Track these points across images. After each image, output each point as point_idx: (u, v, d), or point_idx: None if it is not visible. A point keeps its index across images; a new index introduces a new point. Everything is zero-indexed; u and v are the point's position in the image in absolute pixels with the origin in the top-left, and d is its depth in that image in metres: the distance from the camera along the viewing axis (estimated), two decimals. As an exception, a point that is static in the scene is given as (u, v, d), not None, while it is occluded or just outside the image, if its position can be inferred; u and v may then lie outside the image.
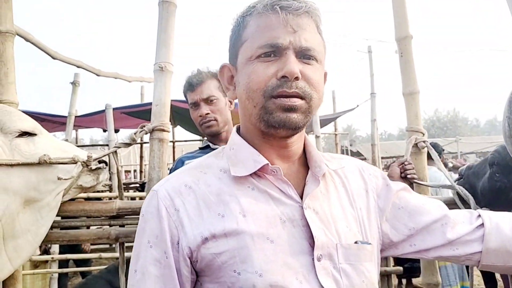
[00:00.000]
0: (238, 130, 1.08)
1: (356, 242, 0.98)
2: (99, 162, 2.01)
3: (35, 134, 1.76)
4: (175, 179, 1.00)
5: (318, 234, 0.93)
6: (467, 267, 4.22)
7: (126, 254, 2.17)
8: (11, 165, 1.58)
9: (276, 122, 0.92)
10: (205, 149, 2.09)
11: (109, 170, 2.09)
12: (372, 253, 1.01)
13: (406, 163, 1.95)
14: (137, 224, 2.02)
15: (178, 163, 2.04)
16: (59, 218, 1.91)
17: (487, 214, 1.12)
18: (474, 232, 1.09)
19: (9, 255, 1.60)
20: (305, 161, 1.06)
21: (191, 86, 2.06)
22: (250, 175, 0.97)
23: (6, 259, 1.59)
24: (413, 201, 1.13)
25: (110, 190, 4.49)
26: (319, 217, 0.96)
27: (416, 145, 2.05)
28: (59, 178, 1.69)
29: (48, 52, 3.44)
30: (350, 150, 14.14)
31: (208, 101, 2.04)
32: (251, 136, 1.02)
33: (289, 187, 0.97)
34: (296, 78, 0.91)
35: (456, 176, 2.16)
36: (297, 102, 0.91)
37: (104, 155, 2.00)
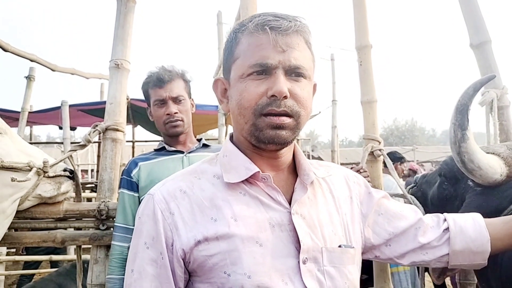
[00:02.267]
0: (231, 139, 1.13)
1: (340, 246, 1.04)
2: (64, 170, 1.92)
3: None
4: (170, 183, 1.05)
5: (304, 239, 0.99)
6: (419, 274, 4.35)
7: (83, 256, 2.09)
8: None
9: (266, 139, 0.98)
10: (160, 151, 2.02)
11: (74, 178, 2.00)
12: (354, 256, 1.08)
13: (361, 170, 1.97)
14: (85, 227, 1.96)
15: (132, 164, 1.96)
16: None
17: (452, 217, 1.21)
18: (441, 237, 1.18)
19: None
20: (294, 169, 1.11)
21: (160, 81, 1.95)
22: (242, 181, 1.02)
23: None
24: (392, 208, 1.21)
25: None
26: (306, 222, 1.02)
27: (372, 153, 2.07)
28: (12, 180, 1.60)
29: (-1, 44, 3.27)
30: (312, 156, 14.30)
31: (177, 100, 1.97)
32: (243, 145, 1.07)
33: (278, 194, 1.03)
34: (285, 97, 0.95)
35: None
36: (286, 120, 0.97)
37: (60, 161, 1.91)
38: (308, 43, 1.02)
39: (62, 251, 4.99)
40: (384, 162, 2.10)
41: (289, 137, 0.99)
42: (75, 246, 2.14)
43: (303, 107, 0.99)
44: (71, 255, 4.99)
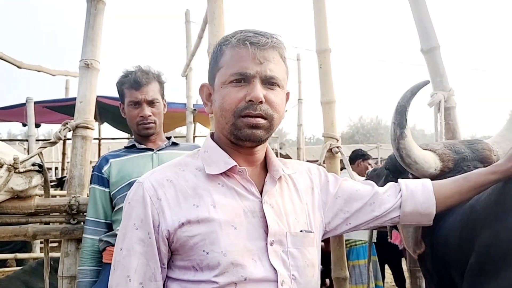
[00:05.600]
0: (211, 136, 1.29)
1: (301, 231, 1.23)
2: (33, 164, 1.96)
3: None
4: (158, 173, 1.20)
5: (271, 224, 1.17)
6: (381, 267, 4.54)
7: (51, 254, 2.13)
8: None
9: (243, 137, 1.15)
10: (131, 148, 2.08)
11: (43, 174, 2.04)
12: (314, 240, 1.26)
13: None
14: (56, 221, 2.02)
15: (103, 161, 2.02)
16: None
17: (404, 182, 1.39)
18: (395, 202, 1.36)
19: None
20: (265, 165, 1.29)
21: (137, 84, 2.01)
22: (221, 174, 1.19)
23: None
24: (348, 189, 1.38)
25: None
26: (274, 210, 1.20)
27: (330, 150, 2.22)
28: None
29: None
30: (280, 153, 14.47)
31: (152, 103, 2.05)
32: (223, 143, 1.24)
33: (252, 186, 1.20)
34: (261, 102, 1.13)
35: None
36: (261, 121, 1.14)
37: (31, 157, 1.95)
38: (283, 57, 1.21)
39: (28, 249, 4.93)
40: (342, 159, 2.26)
41: (264, 136, 1.17)
42: (42, 245, 2.18)
43: (276, 111, 1.17)
44: (37, 253, 4.95)
